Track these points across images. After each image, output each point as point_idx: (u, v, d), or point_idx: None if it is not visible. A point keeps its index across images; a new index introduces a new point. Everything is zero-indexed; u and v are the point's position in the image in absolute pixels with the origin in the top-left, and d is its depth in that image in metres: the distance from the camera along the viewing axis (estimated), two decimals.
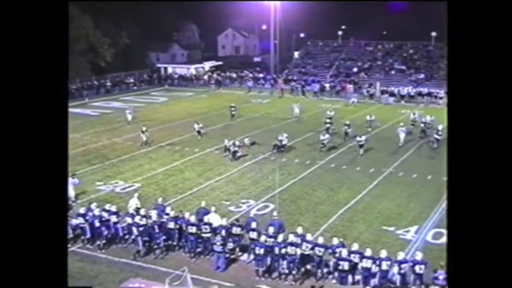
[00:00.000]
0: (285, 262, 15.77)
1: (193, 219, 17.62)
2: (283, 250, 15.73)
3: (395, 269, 15.09)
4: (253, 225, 17.24)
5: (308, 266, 16.03)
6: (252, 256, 16.64)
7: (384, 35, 79.76)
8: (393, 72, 60.29)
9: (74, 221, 18.06)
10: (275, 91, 55.12)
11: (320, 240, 16.24)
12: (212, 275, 16.07)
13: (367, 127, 35.75)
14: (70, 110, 31.55)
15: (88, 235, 17.91)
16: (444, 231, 18.86)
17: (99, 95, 52.99)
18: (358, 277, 15.48)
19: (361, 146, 29.90)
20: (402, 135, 32.33)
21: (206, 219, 17.80)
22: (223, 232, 16.87)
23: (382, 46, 66.59)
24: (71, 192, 21.69)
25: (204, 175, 26.31)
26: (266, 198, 23.02)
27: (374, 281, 15.21)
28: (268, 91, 55.65)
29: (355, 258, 15.39)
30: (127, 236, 18.10)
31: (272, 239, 16.17)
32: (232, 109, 40.25)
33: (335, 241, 16.22)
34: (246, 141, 31.50)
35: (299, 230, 16.86)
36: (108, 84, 55.86)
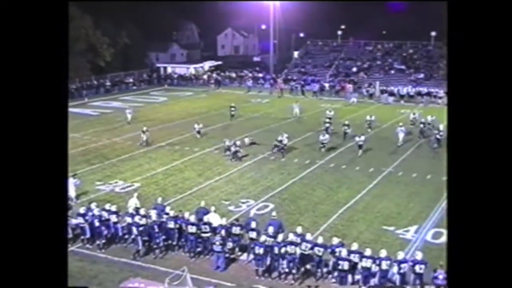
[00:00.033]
0: (285, 262, 15.76)
1: (192, 218, 17.61)
2: (282, 250, 15.73)
3: (395, 268, 15.09)
4: (253, 224, 17.24)
5: (308, 266, 16.04)
6: (251, 256, 16.64)
7: (384, 34, 79.77)
8: (392, 71, 60.31)
9: (73, 221, 18.05)
10: (275, 90, 55.13)
11: (320, 240, 16.24)
12: (211, 274, 16.06)
13: (367, 127, 35.72)
14: (70, 110, 31.57)
15: (88, 235, 17.91)
16: (444, 230, 18.89)
17: (98, 94, 52.96)
18: (358, 276, 15.47)
19: (360, 146, 29.84)
20: (401, 135, 32.33)
21: (205, 218, 17.79)
22: (223, 232, 16.86)
23: (382, 45, 66.61)
24: (72, 193, 21.72)
25: (203, 175, 26.31)
26: (265, 197, 23.02)
27: (374, 280, 15.21)
28: (268, 91, 55.65)
29: (355, 257, 15.38)
30: (126, 236, 18.08)
31: (271, 239, 16.18)
32: (232, 109, 40.21)
33: (335, 240, 16.22)
34: (247, 140, 31.50)
35: (299, 229, 16.85)
36: (108, 83, 55.85)
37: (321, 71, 62.63)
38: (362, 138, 30.04)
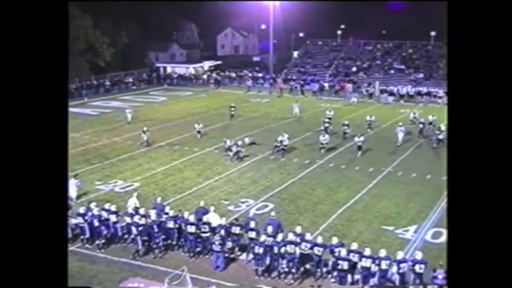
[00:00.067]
0: (284, 261, 15.76)
1: (192, 218, 17.61)
2: (282, 249, 15.73)
3: (394, 268, 15.10)
4: (252, 224, 17.24)
5: (308, 266, 16.04)
6: (251, 256, 16.64)
7: (383, 34, 79.72)
8: (392, 71, 60.31)
9: (73, 221, 18.05)
10: (274, 90, 55.12)
11: (319, 240, 16.24)
12: (211, 274, 16.07)
13: (367, 127, 35.68)
14: (69, 109, 31.52)
15: (88, 235, 17.90)
16: (443, 230, 18.90)
17: (98, 94, 52.94)
18: (357, 276, 15.47)
19: (359, 147, 29.77)
20: (400, 135, 32.33)
21: (205, 218, 17.79)
22: (222, 232, 16.86)
23: (381, 45, 66.61)
24: (74, 193, 21.77)
25: (203, 175, 26.31)
26: (265, 197, 23.02)
27: (374, 280, 15.22)
28: (267, 91, 55.64)
29: (354, 257, 15.38)
30: (126, 236, 18.08)
31: (271, 239, 16.18)
32: (232, 109, 40.18)
33: (335, 240, 16.22)
34: (246, 140, 31.49)
35: (298, 229, 16.84)
36: (107, 83, 55.83)
37: (321, 70, 62.62)
38: (362, 138, 30.00)
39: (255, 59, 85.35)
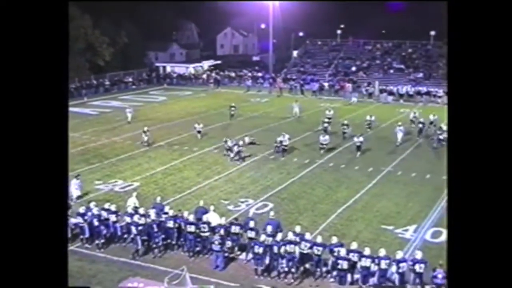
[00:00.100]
0: (284, 261, 15.76)
1: (191, 218, 17.63)
2: (282, 249, 15.74)
3: (393, 268, 15.12)
4: (251, 224, 17.25)
5: (307, 265, 16.04)
6: (250, 255, 16.64)
7: (383, 34, 79.70)
8: (392, 71, 60.29)
9: (73, 220, 18.05)
10: (274, 90, 55.10)
11: (319, 239, 16.25)
12: (211, 274, 16.08)
13: (367, 127, 35.64)
14: (69, 109, 31.52)
15: (87, 235, 17.91)
16: (443, 229, 18.92)
17: (98, 94, 52.92)
18: (357, 276, 15.48)
19: (358, 148, 29.71)
20: (400, 135, 32.33)
21: (205, 218, 17.79)
22: (222, 231, 16.87)
23: (381, 45, 66.58)
24: (76, 193, 21.84)
25: (203, 174, 26.31)
26: (265, 197, 23.03)
27: (373, 280, 15.24)
28: (267, 90, 55.62)
29: (354, 257, 15.39)
30: (126, 235, 18.08)
31: (270, 238, 16.18)
32: (232, 109, 40.10)
33: (334, 240, 16.23)
34: (246, 139, 31.47)
35: (297, 228, 16.84)
36: (107, 83, 55.79)
37: (320, 70, 62.60)
38: (361, 139, 29.91)
39: (255, 58, 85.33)
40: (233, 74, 62.99)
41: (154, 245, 17.30)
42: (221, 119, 39.64)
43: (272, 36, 64.21)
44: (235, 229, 17.31)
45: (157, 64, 71.60)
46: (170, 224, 17.49)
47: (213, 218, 17.94)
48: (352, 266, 15.42)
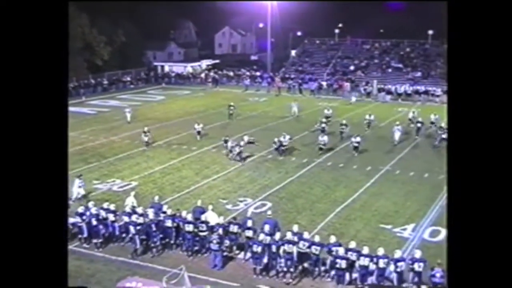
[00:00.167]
0: (282, 260, 15.77)
1: (190, 217, 17.63)
2: (281, 249, 15.74)
3: (392, 267, 15.14)
4: (249, 223, 17.26)
5: (306, 264, 16.05)
6: (249, 254, 16.65)
7: (381, 33, 79.80)
8: (390, 70, 60.36)
9: (71, 220, 18.03)
10: (272, 89, 55.11)
11: (317, 239, 16.25)
12: (209, 273, 16.09)
13: (366, 126, 35.62)
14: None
15: (85, 234, 17.90)
16: (441, 228, 18.97)
17: (96, 93, 52.90)
18: (355, 275, 15.50)
19: (356, 148, 29.67)
20: (397, 134, 32.36)
21: (203, 217, 17.80)
22: (220, 231, 16.88)
23: (379, 44, 66.67)
24: (80, 191, 21.93)
25: (201, 174, 26.31)
26: (263, 196, 23.04)
27: (372, 279, 15.25)
28: (265, 90, 55.64)
29: (352, 256, 15.40)
30: (124, 235, 18.07)
31: (269, 237, 16.19)
32: (231, 108, 40.01)
33: (333, 239, 16.23)
34: (246, 139, 31.40)
35: (295, 228, 16.85)
36: (105, 82, 55.76)
37: (319, 69, 62.64)
38: (358, 139, 29.80)
39: (253, 58, 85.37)
40: (231, 73, 62.99)
41: (152, 245, 17.31)
42: (219, 119, 39.63)
43: (270, 35, 64.26)
44: (233, 228, 17.31)
45: (155, 63, 71.61)
46: (169, 223, 17.50)
47: (211, 217, 17.94)
48: (351, 265, 15.43)
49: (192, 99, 50.63)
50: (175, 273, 14.17)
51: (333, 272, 15.67)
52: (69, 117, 7.43)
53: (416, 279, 14.88)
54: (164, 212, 18.16)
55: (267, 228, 16.60)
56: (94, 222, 17.74)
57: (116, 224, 18.22)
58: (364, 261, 15.18)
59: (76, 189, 21.88)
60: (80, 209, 18.22)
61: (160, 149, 31.02)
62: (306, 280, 15.83)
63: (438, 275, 14.28)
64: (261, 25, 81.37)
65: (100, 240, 17.82)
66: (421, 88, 52.13)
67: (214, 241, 16.39)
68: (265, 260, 16.07)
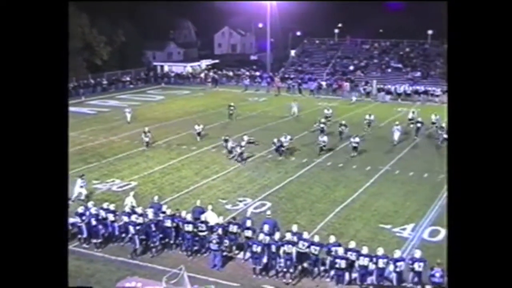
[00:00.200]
0: (282, 260, 15.77)
1: (189, 217, 17.63)
2: (280, 250, 15.73)
3: (391, 267, 15.14)
4: (248, 223, 17.25)
5: (305, 264, 16.05)
6: (248, 254, 16.65)
7: (381, 33, 79.87)
8: (389, 70, 60.36)
9: (71, 220, 18.01)
10: (272, 89, 55.09)
11: (316, 239, 16.25)
12: (209, 273, 16.08)
13: (367, 126, 35.58)
14: None
15: (85, 234, 17.89)
16: (441, 228, 18.98)
17: (95, 93, 52.88)
18: (355, 275, 15.50)
19: (355, 148, 29.60)
20: (397, 134, 32.35)
21: (203, 217, 17.80)
22: (220, 231, 16.87)
23: (379, 44, 66.68)
24: (82, 191, 21.93)
25: (200, 174, 26.30)
26: (263, 196, 23.03)
27: (371, 279, 15.26)
28: (265, 89, 55.63)
29: (351, 256, 15.41)
30: (123, 235, 18.06)
31: (268, 237, 16.19)
32: (231, 108, 39.91)
33: (332, 239, 16.23)
34: (245, 138, 31.36)
35: (294, 228, 16.85)
36: (105, 82, 55.73)
37: (318, 69, 62.64)
38: (357, 139, 29.72)
39: (253, 57, 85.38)
40: (231, 73, 62.98)
41: (152, 245, 17.30)
42: (219, 119, 39.61)
43: (270, 35, 64.28)
44: (233, 228, 17.31)
45: (155, 63, 71.63)
46: (168, 223, 17.49)
47: (211, 217, 17.94)
48: (350, 265, 15.44)
49: (192, 99, 50.62)
50: (174, 273, 14.18)
51: (332, 272, 15.68)
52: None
53: (416, 279, 14.89)
54: (164, 212, 18.16)
55: (266, 228, 16.60)
56: (93, 222, 17.73)
57: (116, 224, 18.22)
58: (363, 261, 15.18)
59: (77, 189, 21.88)
60: (80, 209, 18.22)
61: (160, 149, 31.01)
62: (306, 280, 15.83)
63: (437, 274, 14.29)
64: (260, 25, 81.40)
65: (99, 240, 17.81)
66: (421, 88, 52.13)
67: (214, 241, 16.39)
68: (264, 260, 16.08)
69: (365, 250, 15.38)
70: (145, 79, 61.36)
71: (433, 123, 35.23)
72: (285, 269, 15.75)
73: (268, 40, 64.69)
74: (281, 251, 15.70)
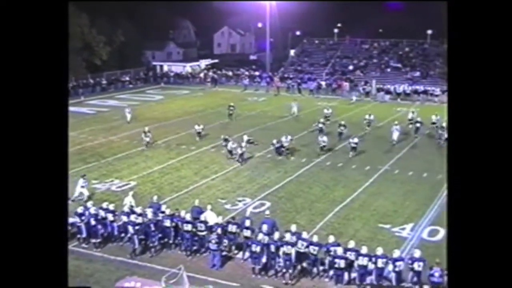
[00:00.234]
0: (281, 260, 15.77)
1: (188, 217, 17.62)
2: (280, 250, 15.72)
3: (390, 267, 15.14)
4: (247, 223, 17.25)
5: (304, 264, 16.05)
6: (247, 254, 16.65)
7: (380, 33, 79.90)
8: (389, 70, 60.37)
9: (70, 220, 17.99)
10: (271, 89, 55.08)
11: (315, 238, 16.24)
12: (208, 273, 16.08)
13: (367, 126, 35.55)
14: None
15: (84, 234, 17.88)
16: (440, 228, 18.98)
17: (94, 93, 52.85)
18: (354, 274, 15.50)
19: (353, 148, 29.51)
20: (396, 134, 32.35)
21: (202, 217, 17.80)
22: (219, 230, 16.87)
23: (378, 44, 66.68)
24: (84, 191, 21.91)
25: (200, 173, 26.30)
26: (262, 196, 23.03)
27: (371, 278, 15.26)
28: (264, 89, 55.62)
29: (351, 255, 15.41)
30: (123, 235, 18.05)
31: (267, 237, 16.19)
32: (231, 108, 39.84)
33: (331, 238, 16.23)
34: (245, 138, 31.35)
35: (293, 227, 16.84)
36: (104, 82, 55.69)
37: (318, 69, 62.63)
38: (355, 139, 29.65)
39: (252, 57, 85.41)
40: (230, 73, 62.97)
41: (151, 244, 17.30)
42: (218, 118, 39.60)
43: (269, 35, 64.29)
44: (232, 228, 17.31)
45: (154, 63, 71.63)
46: (167, 223, 17.49)
47: (210, 217, 17.94)
48: (349, 265, 15.44)
49: (191, 99, 50.61)
50: (174, 272, 14.17)
51: (331, 272, 15.68)
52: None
53: (415, 279, 14.90)
54: (163, 212, 18.15)
55: (265, 228, 16.60)
56: (93, 222, 17.72)
57: (115, 224, 18.21)
58: (362, 261, 15.18)
59: (79, 188, 21.87)
60: (79, 209, 18.21)
61: (159, 149, 31.00)
62: (305, 280, 15.83)
63: (436, 274, 14.30)
64: (260, 25, 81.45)
65: (98, 240, 17.80)
66: (420, 88, 52.14)
67: (213, 241, 16.38)
68: (263, 259, 16.08)
69: (364, 250, 15.38)
70: (144, 79, 61.34)
71: (434, 123, 35.23)
72: (284, 269, 15.75)
73: (267, 40, 64.69)
74: (280, 251, 15.69)
